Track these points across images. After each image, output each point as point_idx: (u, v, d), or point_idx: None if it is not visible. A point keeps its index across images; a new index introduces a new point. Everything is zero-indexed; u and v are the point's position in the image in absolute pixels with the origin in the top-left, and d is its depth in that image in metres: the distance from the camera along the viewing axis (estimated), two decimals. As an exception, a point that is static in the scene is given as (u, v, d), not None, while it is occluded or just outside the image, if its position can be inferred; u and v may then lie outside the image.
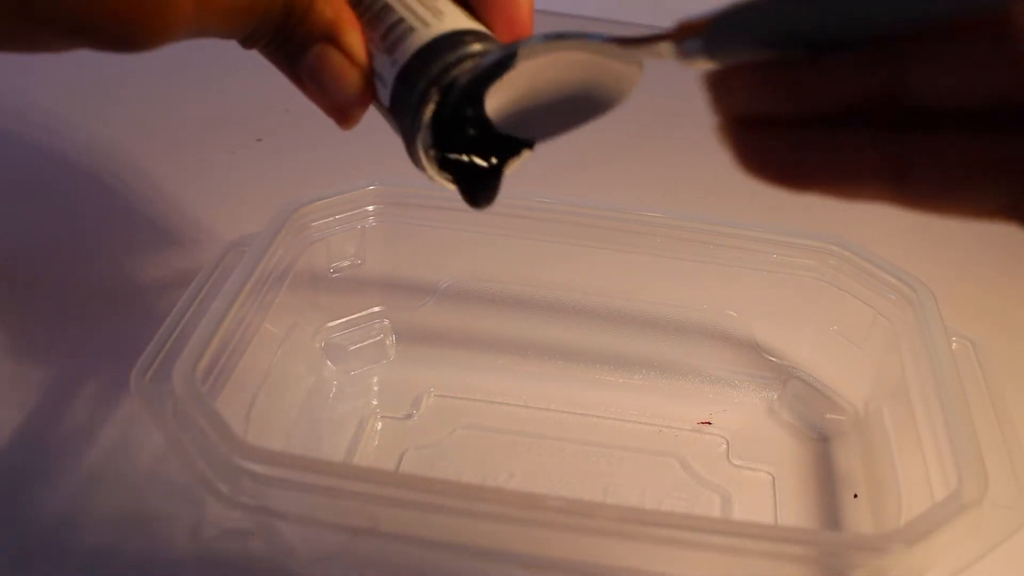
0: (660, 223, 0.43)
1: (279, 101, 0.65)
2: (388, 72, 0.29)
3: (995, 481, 0.31)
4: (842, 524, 0.39)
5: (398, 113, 0.29)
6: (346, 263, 0.44)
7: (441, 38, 0.29)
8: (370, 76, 0.30)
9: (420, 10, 0.29)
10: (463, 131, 0.29)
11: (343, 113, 0.31)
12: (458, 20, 0.29)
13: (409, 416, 0.43)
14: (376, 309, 0.46)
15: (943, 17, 0.18)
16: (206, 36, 0.28)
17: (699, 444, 0.43)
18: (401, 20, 0.29)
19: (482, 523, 0.29)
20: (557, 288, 0.46)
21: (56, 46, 0.27)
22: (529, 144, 0.31)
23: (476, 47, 0.29)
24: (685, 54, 0.22)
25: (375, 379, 0.45)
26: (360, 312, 0.46)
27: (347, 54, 0.30)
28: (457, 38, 0.29)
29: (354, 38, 0.30)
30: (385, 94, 0.30)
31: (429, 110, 0.28)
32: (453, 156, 0.30)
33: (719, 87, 0.22)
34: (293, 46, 0.30)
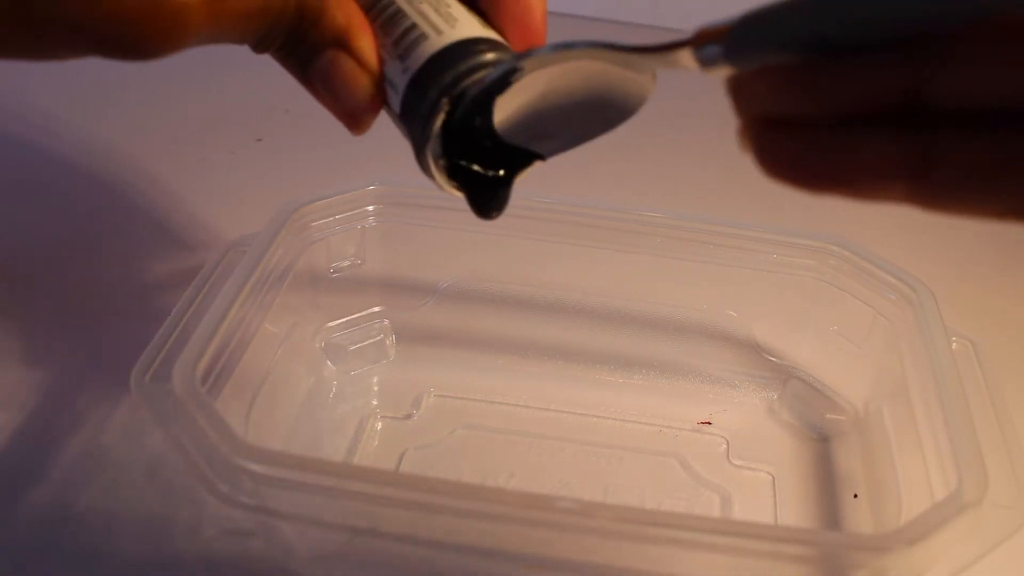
0: (660, 223, 0.43)
1: (279, 101, 0.65)
2: (400, 79, 0.29)
3: (995, 481, 0.31)
4: (842, 524, 0.39)
5: (408, 120, 0.29)
6: (346, 263, 0.44)
7: (453, 46, 0.28)
8: (381, 82, 0.30)
9: (433, 16, 0.29)
10: (474, 141, 0.29)
11: (354, 119, 0.31)
12: (471, 27, 0.29)
13: (409, 416, 0.43)
14: (376, 309, 0.46)
15: (964, 18, 0.18)
16: (218, 42, 0.28)
17: (699, 444, 0.43)
18: (414, 26, 0.29)
19: (482, 523, 0.29)
20: (557, 288, 0.46)
21: (60, 53, 0.27)
22: (540, 155, 0.30)
23: (489, 56, 0.28)
24: (704, 61, 0.22)
25: (375, 379, 0.45)
26: (360, 312, 0.46)
27: (359, 60, 0.29)
28: (470, 46, 0.28)
29: (366, 44, 0.29)
30: (396, 100, 0.29)
31: (439, 120, 0.28)
32: (463, 165, 0.30)
33: (740, 90, 0.22)
34: (305, 51, 0.30)
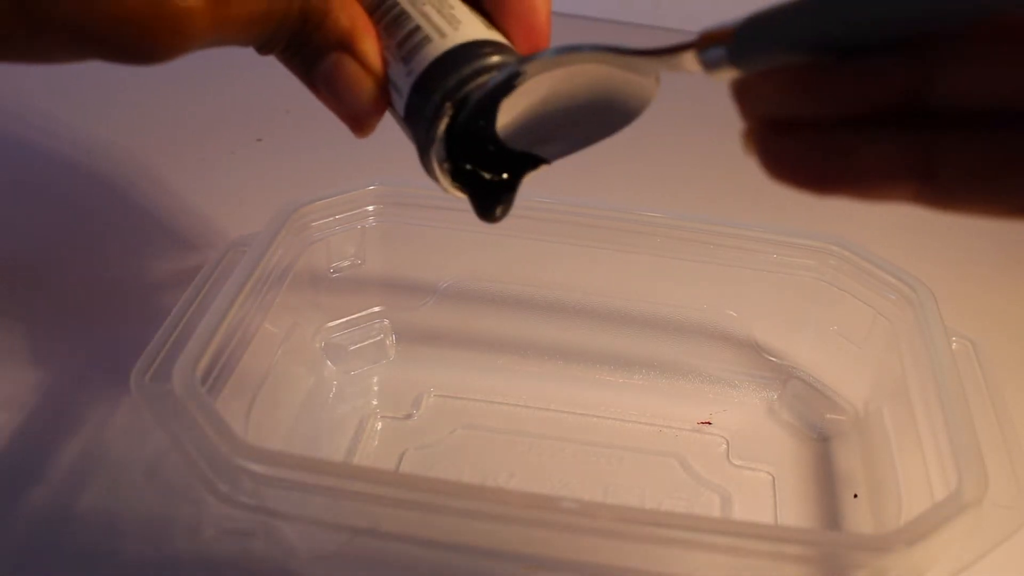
0: (660, 223, 0.43)
1: (279, 102, 0.65)
2: (403, 82, 0.29)
3: (995, 481, 0.31)
4: (842, 524, 0.39)
5: (413, 123, 0.29)
6: (346, 263, 0.44)
7: (457, 49, 0.28)
8: (385, 85, 0.30)
9: (437, 19, 0.29)
10: (478, 144, 0.29)
11: (358, 122, 0.31)
12: (475, 30, 0.29)
13: (409, 416, 0.43)
14: (376, 309, 0.46)
15: (965, 18, 0.18)
16: (223, 45, 0.28)
17: (699, 444, 0.43)
18: (417, 28, 0.29)
19: (482, 523, 0.29)
20: (557, 288, 0.46)
21: (60, 56, 0.27)
22: (544, 159, 0.30)
23: (493, 59, 0.28)
24: (709, 64, 0.22)
25: (375, 379, 0.45)
26: (360, 312, 0.46)
27: (362, 63, 0.29)
28: (473, 49, 0.28)
29: (370, 47, 0.29)
30: (400, 103, 0.29)
31: (443, 124, 0.28)
32: (467, 168, 0.30)
33: (745, 93, 0.22)
34: (309, 53, 0.30)
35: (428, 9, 0.29)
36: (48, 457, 0.38)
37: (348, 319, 0.45)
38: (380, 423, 0.43)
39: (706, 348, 0.46)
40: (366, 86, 0.30)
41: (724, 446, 0.43)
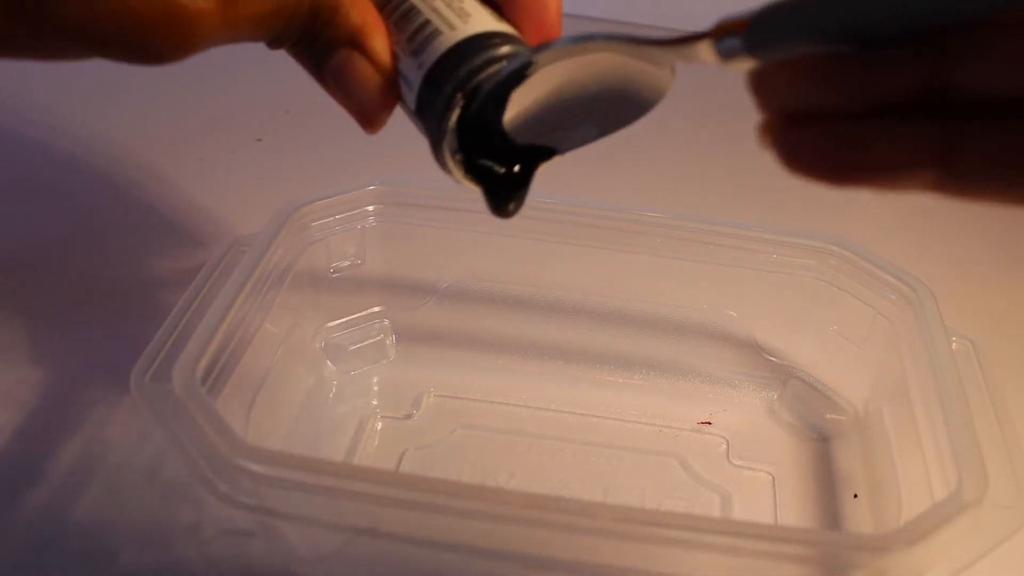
0: (660, 223, 0.43)
1: (279, 101, 0.65)
2: (414, 75, 0.29)
3: (995, 481, 0.31)
4: (842, 524, 0.39)
5: (424, 116, 0.29)
6: (346, 263, 0.44)
7: (467, 41, 0.28)
8: (395, 81, 0.30)
9: (446, 12, 0.29)
10: (490, 136, 0.29)
11: (367, 118, 0.31)
12: (485, 22, 0.29)
13: (409, 416, 0.43)
14: (376, 309, 0.46)
15: (984, 8, 0.18)
16: (233, 42, 0.28)
17: (699, 444, 0.43)
18: (427, 22, 0.29)
19: (482, 523, 0.29)
20: (557, 288, 0.46)
21: (62, 53, 0.27)
22: (556, 150, 0.30)
23: (503, 49, 0.28)
24: (725, 54, 0.21)
25: (375, 379, 0.45)
26: (360, 312, 0.46)
27: (372, 60, 0.29)
28: (483, 40, 0.28)
29: (380, 43, 0.29)
30: (411, 97, 0.29)
31: (454, 115, 0.28)
32: (480, 163, 0.30)
33: (762, 84, 0.21)
34: (319, 48, 0.30)
35: (438, 3, 0.29)
36: (48, 457, 0.38)
37: (348, 319, 0.45)
38: (380, 423, 0.43)
39: (706, 348, 0.46)
40: (375, 83, 0.30)
41: (724, 446, 0.43)
